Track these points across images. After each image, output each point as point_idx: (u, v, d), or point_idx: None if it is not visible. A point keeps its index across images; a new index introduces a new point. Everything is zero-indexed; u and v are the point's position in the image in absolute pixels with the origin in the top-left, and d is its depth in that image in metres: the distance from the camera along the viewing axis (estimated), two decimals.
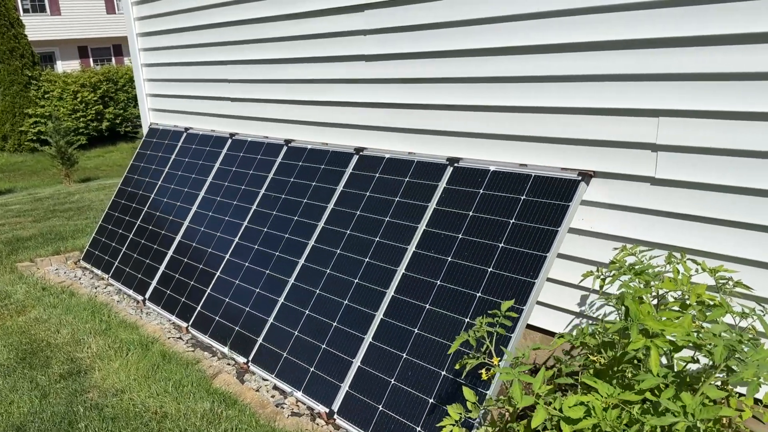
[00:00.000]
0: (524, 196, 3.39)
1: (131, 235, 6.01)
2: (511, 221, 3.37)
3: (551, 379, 2.68)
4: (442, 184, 3.80)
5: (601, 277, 2.81)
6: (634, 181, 3.11)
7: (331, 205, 4.35)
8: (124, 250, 5.98)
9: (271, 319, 4.20)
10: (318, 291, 4.04)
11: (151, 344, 4.25)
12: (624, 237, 3.20)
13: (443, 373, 3.20)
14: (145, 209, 6.05)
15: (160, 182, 6.12)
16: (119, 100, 23.30)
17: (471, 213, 3.56)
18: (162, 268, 5.40)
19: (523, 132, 3.52)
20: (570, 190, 3.24)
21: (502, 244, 3.34)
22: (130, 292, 5.55)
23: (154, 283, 5.39)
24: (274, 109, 5.24)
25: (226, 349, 4.33)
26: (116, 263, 5.97)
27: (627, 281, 2.51)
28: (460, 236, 3.54)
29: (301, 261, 4.28)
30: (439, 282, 3.49)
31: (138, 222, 6.04)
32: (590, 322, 3.44)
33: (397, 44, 4.05)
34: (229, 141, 5.62)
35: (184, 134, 6.24)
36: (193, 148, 6.02)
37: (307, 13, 4.62)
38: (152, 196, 6.09)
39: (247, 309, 4.40)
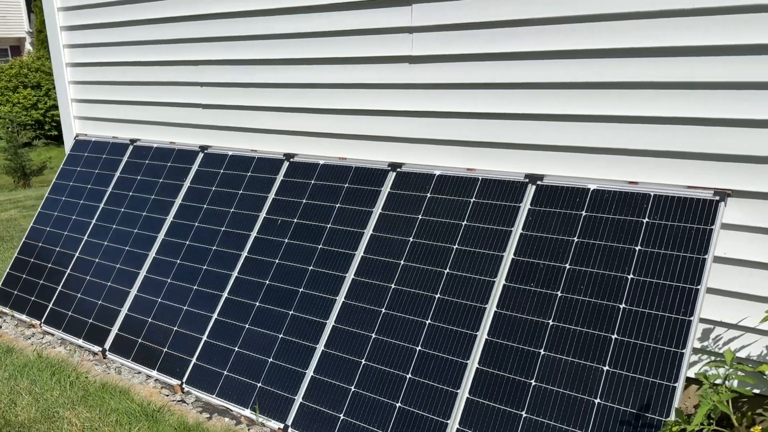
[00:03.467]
0: (647, 219, 2.95)
1: (69, 271, 4.89)
2: (637, 248, 2.91)
3: None
4: (526, 206, 3.28)
5: None
6: None
7: (368, 231, 3.67)
8: (60, 288, 4.85)
9: (310, 372, 3.44)
10: (374, 335, 3.36)
11: (158, 413, 3.31)
12: None
13: None
14: (86, 238, 4.96)
15: (102, 205, 5.05)
16: None
17: (575, 239, 3.07)
18: (124, 310, 4.39)
19: (631, 146, 3.09)
20: (709, 212, 2.84)
21: (631, 275, 2.87)
22: (80, 341, 4.47)
23: (114, 329, 4.36)
24: (266, 118, 4.45)
25: (248, 412, 3.50)
26: (51, 306, 4.82)
27: None
28: (567, 266, 3.03)
29: (341, 299, 3.56)
30: (551, 322, 2.95)
31: (77, 254, 4.93)
32: (713, 359, 3.07)
33: (456, 44, 3.49)
34: (201, 155, 4.73)
35: (130, 147, 5.21)
36: (146, 163, 5.02)
37: (326, 6, 3.92)
38: (93, 221, 5.01)
39: (270, 360, 3.60)
